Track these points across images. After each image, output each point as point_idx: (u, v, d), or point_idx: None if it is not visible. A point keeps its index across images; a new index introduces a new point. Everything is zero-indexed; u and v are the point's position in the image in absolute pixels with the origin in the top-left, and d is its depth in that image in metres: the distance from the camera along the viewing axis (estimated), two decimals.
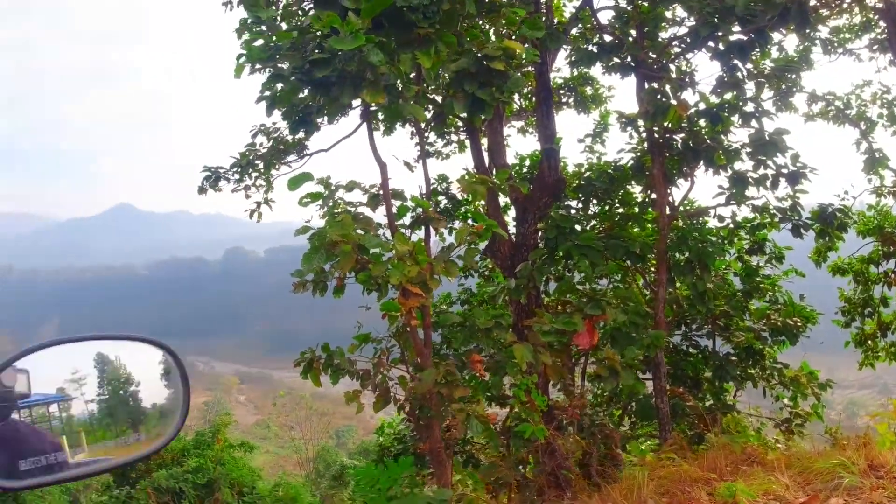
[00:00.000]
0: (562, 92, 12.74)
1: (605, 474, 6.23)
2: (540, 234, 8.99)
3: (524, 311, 8.28)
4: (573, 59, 10.17)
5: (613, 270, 8.96)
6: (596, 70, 10.71)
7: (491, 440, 6.52)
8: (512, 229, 9.51)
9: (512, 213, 9.97)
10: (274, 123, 10.10)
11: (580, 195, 9.69)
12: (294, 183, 4.53)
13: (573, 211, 9.46)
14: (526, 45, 6.55)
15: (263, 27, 5.35)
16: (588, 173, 9.92)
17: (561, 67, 12.06)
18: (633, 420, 10.03)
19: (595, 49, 8.89)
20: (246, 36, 5.28)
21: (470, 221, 11.95)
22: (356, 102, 5.14)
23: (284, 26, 6.55)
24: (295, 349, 6.51)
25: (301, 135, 9.43)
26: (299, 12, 7.90)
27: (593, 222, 9.79)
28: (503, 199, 9.69)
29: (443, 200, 11.67)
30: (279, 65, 4.74)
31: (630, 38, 8.53)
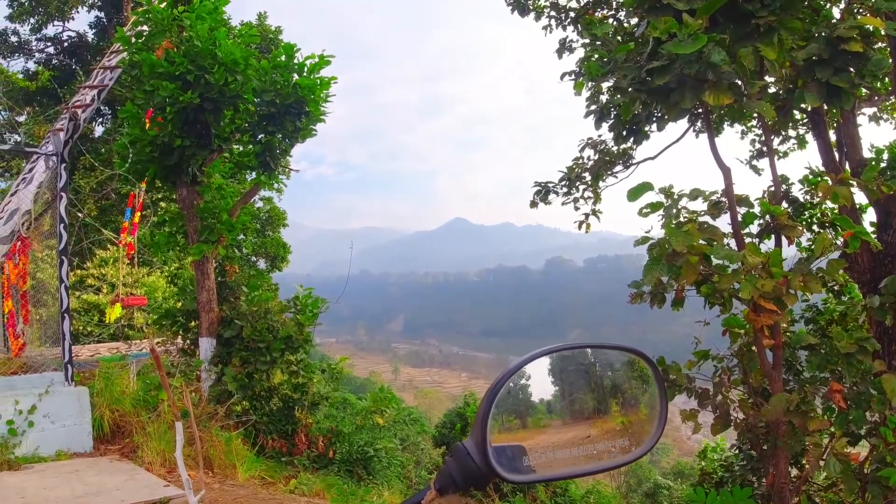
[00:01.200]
0: None
1: None
2: None
3: (888, 335, 7.03)
4: None
5: None
6: None
7: (846, 483, 5.63)
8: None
9: (867, 216, 8.35)
10: (599, 136, 10.28)
11: None
12: (634, 194, 4.51)
13: None
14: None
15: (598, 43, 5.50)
16: None
17: None
18: None
19: None
20: (582, 53, 5.49)
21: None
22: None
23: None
24: None
25: (626, 145, 9.42)
26: (625, 25, 7.90)
27: None
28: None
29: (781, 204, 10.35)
30: (616, 78, 4.81)
31: None
